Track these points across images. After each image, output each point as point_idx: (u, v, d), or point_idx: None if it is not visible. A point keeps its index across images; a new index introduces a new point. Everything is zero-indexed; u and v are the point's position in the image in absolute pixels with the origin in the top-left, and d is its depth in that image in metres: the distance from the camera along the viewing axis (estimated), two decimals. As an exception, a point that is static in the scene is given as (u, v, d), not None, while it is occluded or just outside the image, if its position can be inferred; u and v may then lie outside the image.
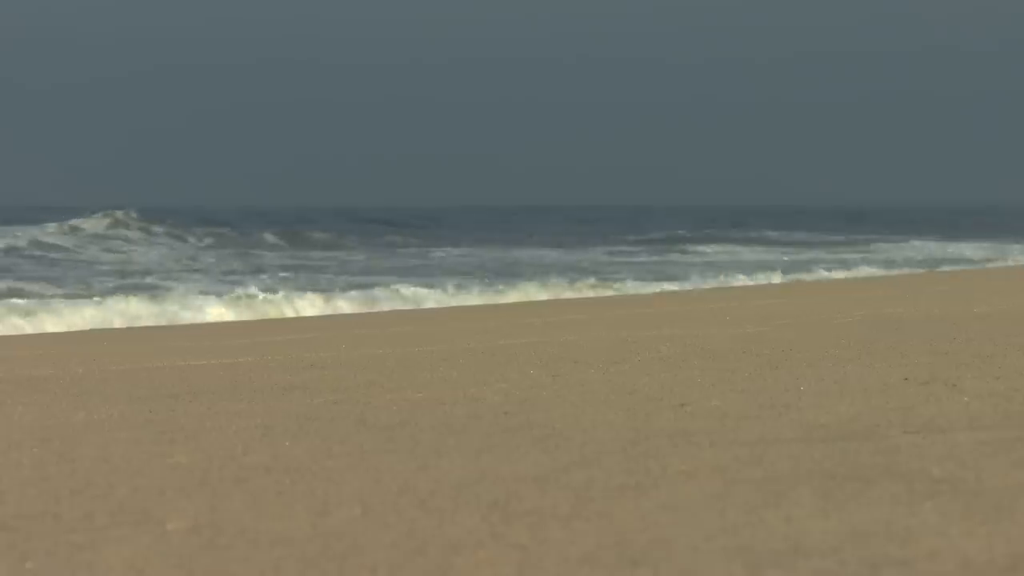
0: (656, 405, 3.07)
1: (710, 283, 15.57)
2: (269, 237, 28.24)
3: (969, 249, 27.66)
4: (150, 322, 11.21)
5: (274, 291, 13.84)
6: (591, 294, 13.65)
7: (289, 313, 12.25)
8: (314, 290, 14.24)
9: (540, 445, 2.62)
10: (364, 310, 12.24)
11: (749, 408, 2.96)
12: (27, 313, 11.73)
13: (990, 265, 20.61)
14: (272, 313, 12.18)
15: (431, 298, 13.44)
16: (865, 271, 19.03)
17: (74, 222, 28.65)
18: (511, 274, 18.20)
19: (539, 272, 18.28)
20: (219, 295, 13.32)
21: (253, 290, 14.17)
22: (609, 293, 13.71)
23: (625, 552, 1.81)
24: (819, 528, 1.88)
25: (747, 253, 26.72)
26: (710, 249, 28.27)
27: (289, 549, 1.92)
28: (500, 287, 14.74)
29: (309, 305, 12.78)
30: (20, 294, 14.09)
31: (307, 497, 2.24)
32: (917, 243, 31.10)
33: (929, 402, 2.91)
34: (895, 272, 18.73)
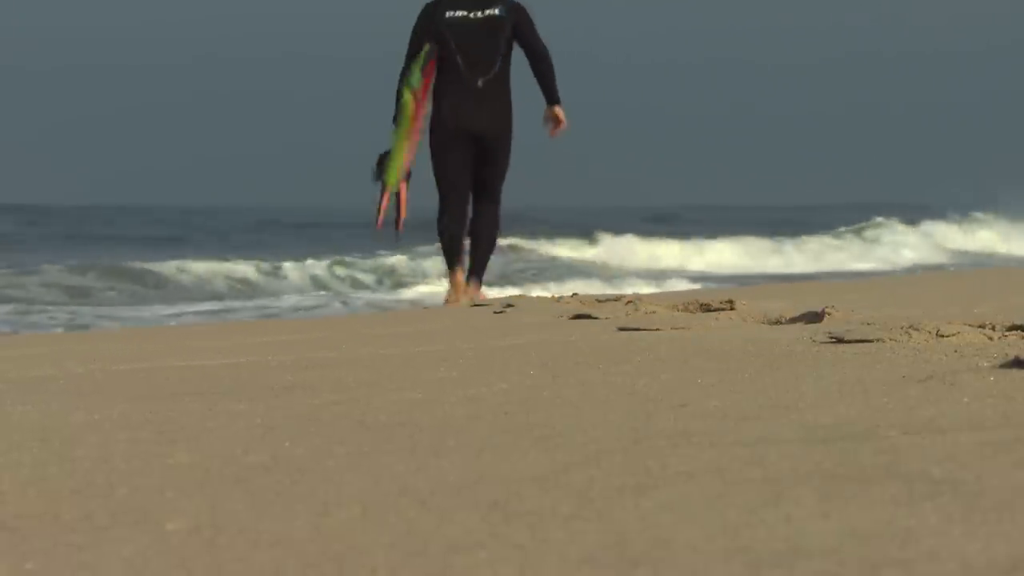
0: (656, 405, 3.07)
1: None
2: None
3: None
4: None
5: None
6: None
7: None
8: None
9: (540, 445, 2.62)
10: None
11: (749, 408, 2.96)
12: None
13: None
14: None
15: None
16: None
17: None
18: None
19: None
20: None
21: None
22: None
23: (625, 552, 1.81)
24: (819, 529, 1.88)
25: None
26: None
27: (289, 549, 1.92)
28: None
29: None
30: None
31: (307, 497, 2.24)
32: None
33: (929, 402, 2.91)
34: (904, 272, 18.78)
